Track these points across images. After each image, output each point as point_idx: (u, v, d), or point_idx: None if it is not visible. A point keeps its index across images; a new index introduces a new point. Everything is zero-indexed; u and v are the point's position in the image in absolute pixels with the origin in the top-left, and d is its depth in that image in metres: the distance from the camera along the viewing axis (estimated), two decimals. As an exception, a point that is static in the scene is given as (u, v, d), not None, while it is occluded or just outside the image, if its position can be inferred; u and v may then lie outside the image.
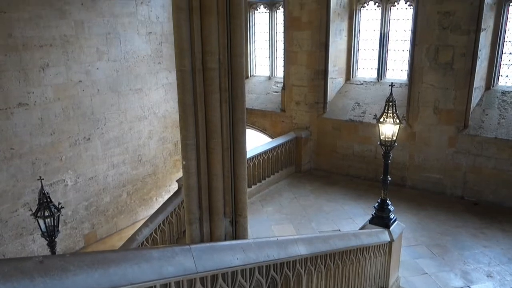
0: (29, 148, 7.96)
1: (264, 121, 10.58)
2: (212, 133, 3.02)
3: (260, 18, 11.02)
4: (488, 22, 7.79)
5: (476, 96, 8.06)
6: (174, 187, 10.14)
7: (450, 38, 7.87)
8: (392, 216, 5.25)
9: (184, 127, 2.96)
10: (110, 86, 9.20)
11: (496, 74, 8.24)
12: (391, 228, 5.14)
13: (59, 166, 8.49)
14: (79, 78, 8.59)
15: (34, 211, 4.96)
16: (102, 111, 9.12)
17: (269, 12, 10.72)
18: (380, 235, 4.94)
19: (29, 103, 7.86)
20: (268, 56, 11.04)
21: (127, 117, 9.68)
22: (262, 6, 10.83)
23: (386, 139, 5.32)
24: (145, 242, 6.36)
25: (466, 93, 7.90)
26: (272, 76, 11.09)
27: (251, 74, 11.37)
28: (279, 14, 10.47)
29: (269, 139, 10.17)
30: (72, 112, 8.58)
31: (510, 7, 7.94)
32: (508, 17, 8.00)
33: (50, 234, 4.98)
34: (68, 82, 8.42)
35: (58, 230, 5.08)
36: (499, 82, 8.30)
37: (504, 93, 8.12)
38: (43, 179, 5.20)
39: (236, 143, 3.13)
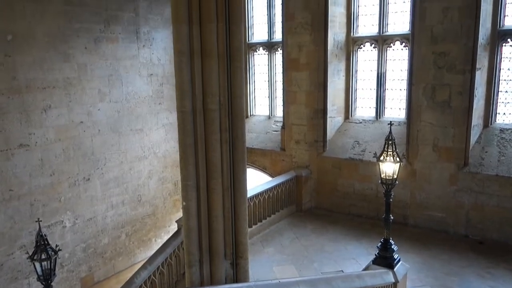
0: (28, 189, 7.92)
1: (264, 160, 10.59)
2: (213, 173, 3.02)
3: (259, 59, 11.27)
4: (482, 61, 7.96)
5: (474, 134, 8.11)
6: (174, 227, 10.00)
7: (446, 77, 8.01)
8: (395, 256, 5.16)
9: (184, 167, 2.96)
10: (111, 126, 9.28)
11: (494, 112, 8.32)
12: (395, 269, 5.03)
13: (57, 207, 8.41)
14: (80, 119, 8.67)
15: (30, 254, 4.86)
16: (103, 151, 9.15)
17: (268, 54, 10.97)
18: (384, 276, 4.83)
19: (30, 144, 7.90)
20: (268, 96, 11.20)
21: (127, 157, 9.69)
22: (261, 48, 11.09)
23: (387, 178, 5.31)
24: (143, 285, 6.20)
25: (464, 131, 7.95)
26: (271, 115, 11.20)
27: (251, 114, 11.49)
28: (278, 55, 10.71)
29: (270, 178, 10.13)
30: (73, 152, 8.60)
31: (503, 47, 8.14)
32: (502, 56, 8.18)
33: (46, 278, 4.84)
34: (69, 123, 8.49)
35: (54, 274, 4.95)
36: (497, 120, 8.37)
37: (502, 130, 8.17)
38: (41, 221, 5.13)
39: (237, 183, 3.12)
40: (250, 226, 7.85)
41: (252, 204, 8.24)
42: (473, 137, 8.09)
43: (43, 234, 4.87)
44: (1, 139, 7.50)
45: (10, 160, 7.64)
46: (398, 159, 5.26)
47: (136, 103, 9.76)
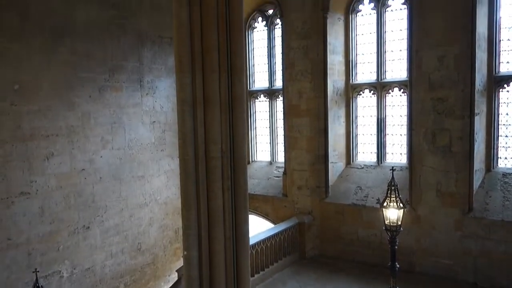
0: (26, 238, 7.79)
1: (266, 206, 10.48)
2: (214, 222, 2.99)
3: (260, 106, 11.44)
4: (480, 107, 8.07)
5: (477, 179, 8.07)
6: (174, 277, 9.73)
7: (445, 122, 8.09)
8: (403, 306, 4.98)
9: (186, 216, 2.94)
10: (113, 173, 9.27)
11: (495, 156, 8.33)
12: (403, 320, 4.84)
13: (55, 257, 8.24)
14: (82, 166, 8.68)
15: (26, 307, 4.72)
16: (103, 199, 9.09)
17: (269, 101, 11.16)
18: (393, 329, 4.64)
19: (31, 192, 7.86)
20: (269, 141, 11.27)
21: (128, 204, 9.61)
22: (262, 95, 11.30)
23: (391, 224, 5.24)
24: None
25: (467, 176, 7.92)
26: (273, 161, 11.22)
27: (253, 159, 11.51)
28: (279, 102, 10.89)
29: (272, 225, 9.99)
30: (73, 200, 8.54)
31: (500, 92, 8.28)
32: (499, 101, 8.30)
33: (41, 332, 4.68)
34: (71, 170, 8.50)
35: (50, 328, 4.79)
36: (498, 164, 8.36)
37: (505, 175, 8.14)
38: (38, 271, 5.03)
39: (239, 232, 3.08)
40: (252, 275, 7.66)
41: (254, 252, 8.07)
42: (476, 182, 8.04)
43: (40, 285, 4.76)
44: (3, 187, 7.48)
45: (10, 208, 7.58)
46: (401, 205, 5.21)
47: (138, 150, 9.81)
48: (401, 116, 9.35)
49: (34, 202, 7.91)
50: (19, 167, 7.70)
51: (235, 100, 3.22)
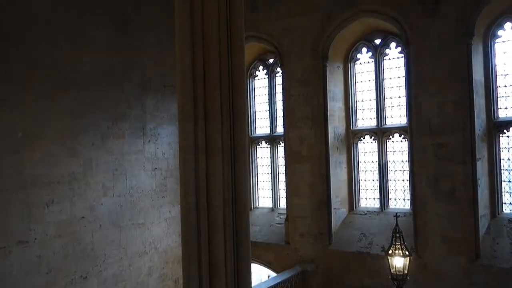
0: (22, 289, 7.57)
1: (268, 254, 10.25)
2: (216, 273, 2.91)
3: (262, 152, 11.48)
4: (482, 152, 8.08)
5: (483, 225, 7.94)
6: (173, 330, 9.36)
7: (447, 167, 8.08)
8: None
9: (186, 267, 2.86)
10: (113, 221, 9.15)
11: (499, 202, 8.25)
12: None
13: (51, 309, 7.96)
14: (82, 214, 8.58)
15: None
16: (103, 247, 8.90)
17: (270, 147, 11.21)
18: None
19: (29, 241, 7.72)
20: (271, 188, 11.21)
21: (128, 253, 9.40)
22: (263, 142, 11.37)
23: (397, 273, 5.10)
24: None
25: (472, 222, 7.80)
26: (275, 207, 11.10)
27: (254, 206, 11.39)
28: (280, 148, 10.94)
29: (274, 273, 9.72)
30: (72, 249, 8.36)
31: (500, 137, 8.32)
32: (500, 147, 8.33)
33: None
34: (71, 218, 8.39)
35: None
36: (503, 210, 8.26)
37: (510, 220, 8.01)
38: (32, 325, 4.84)
39: (241, 283, 2.99)
40: (254, 328, 7.36)
41: (256, 303, 7.81)
42: (482, 228, 7.91)
43: None
44: (1, 236, 7.35)
45: (7, 258, 7.41)
46: (407, 252, 5.10)
47: (139, 197, 9.73)
48: (402, 161, 9.35)
49: (32, 251, 7.75)
50: (19, 215, 7.61)
51: (238, 147, 3.23)
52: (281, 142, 10.81)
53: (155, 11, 10.03)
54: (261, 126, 11.54)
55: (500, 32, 8.26)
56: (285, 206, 10.19)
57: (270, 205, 11.20)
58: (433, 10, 8.15)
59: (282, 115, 10.40)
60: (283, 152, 10.31)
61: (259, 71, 11.41)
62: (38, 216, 7.90)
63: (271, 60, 11.15)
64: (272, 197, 11.19)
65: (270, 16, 10.08)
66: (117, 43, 9.34)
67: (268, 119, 11.28)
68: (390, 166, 9.53)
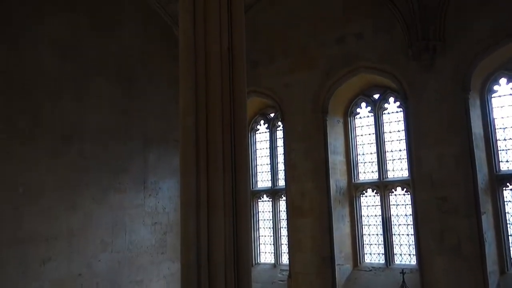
0: None
1: (270, 313, 9.84)
2: (217, 335, 2.78)
3: (263, 206, 11.36)
4: (486, 206, 7.99)
5: (492, 282, 7.66)
6: None
7: (452, 222, 7.95)
8: None
9: (186, 329, 2.74)
10: (111, 278, 8.88)
11: (508, 257, 8.02)
12: None
13: None
14: (79, 271, 8.36)
15: None
16: (99, 307, 8.58)
17: (272, 201, 11.11)
18: None
19: (22, 300, 7.46)
20: (272, 243, 10.97)
21: (124, 313, 9.05)
22: (265, 195, 11.28)
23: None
24: None
25: (481, 279, 7.54)
26: (277, 263, 10.79)
27: (256, 262, 11.09)
28: (282, 202, 10.83)
29: (277, 335, 9.27)
30: (67, 308, 8.07)
31: (504, 191, 8.25)
32: (504, 200, 8.24)
33: None
34: (67, 276, 8.16)
35: None
36: (512, 266, 8.02)
37: (520, 277, 7.76)
38: None
39: None
40: None
41: None
42: (492, 285, 7.63)
43: None
44: (-6, 294, 7.13)
45: (-2, 318, 7.14)
46: (415, 312, 4.89)
47: (138, 253, 9.51)
48: (406, 215, 9.22)
49: (25, 311, 7.47)
50: (15, 271, 7.41)
51: (240, 203, 3.21)
52: (282, 196, 10.73)
53: (160, 68, 10.36)
54: (263, 180, 11.50)
55: (496, 87, 8.46)
56: (288, 262, 9.91)
57: (272, 261, 10.90)
58: (429, 66, 8.40)
59: (283, 168, 10.40)
60: (285, 206, 10.19)
61: (260, 125, 11.57)
62: (34, 274, 7.69)
63: (272, 115, 11.33)
64: (274, 253, 10.91)
65: (271, 71, 10.38)
66: (122, 100, 9.57)
67: (270, 172, 11.27)
68: (394, 220, 9.39)
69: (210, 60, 3.98)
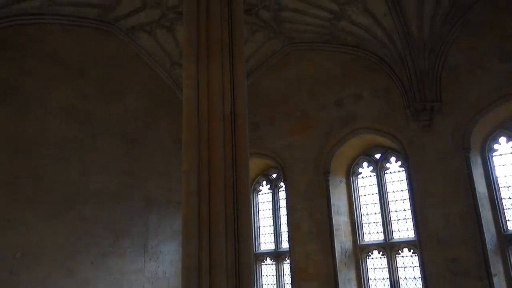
0: None
1: None
2: None
3: (266, 269, 11.02)
4: (497, 267, 7.73)
5: None
6: None
7: (463, 284, 7.65)
8: None
9: None
10: None
11: (524, 323, 7.63)
12: None
13: None
14: None
15: None
16: None
17: (275, 264, 10.79)
18: None
19: None
20: (277, 308, 10.51)
21: None
22: (268, 258, 10.98)
23: None
24: None
25: None
26: (282, 331, 10.28)
27: (260, 330, 10.56)
28: (286, 264, 10.52)
29: None
30: None
31: (513, 251, 8.03)
32: (515, 261, 7.99)
33: None
34: None
35: None
36: (530, 331, 7.61)
37: None
38: None
39: None
40: None
41: None
42: None
43: None
44: None
45: None
46: None
47: (136, 322, 9.10)
48: (415, 278, 8.90)
49: None
50: None
51: (242, 266, 3.13)
52: (286, 259, 10.43)
53: (163, 131, 10.54)
54: (266, 242, 11.26)
55: (496, 146, 8.51)
56: (293, 330, 9.44)
57: (277, 329, 10.38)
58: (428, 126, 8.54)
59: (286, 230, 10.21)
60: (289, 269, 9.88)
61: (262, 186, 11.53)
62: None
63: (274, 175, 11.33)
64: (279, 320, 10.42)
65: (273, 133, 10.54)
66: (126, 161, 9.63)
67: (273, 234, 11.05)
68: (402, 283, 9.04)
69: (213, 125, 4.07)
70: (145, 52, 10.41)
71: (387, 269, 9.20)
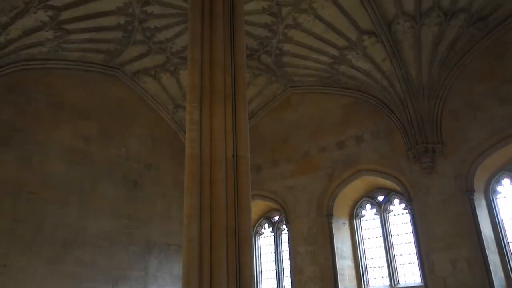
0: None
1: None
2: None
3: (269, 316, 10.67)
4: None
5: None
6: None
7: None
8: None
9: None
10: None
11: None
12: None
13: None
14: None
15: None
16: None
17: (278, 310, 10.45)
18: None
19: None
20: None
21: None
22: (270, 304, 10.65)
23: None
24: None
25: None
26: None
27: None
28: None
29: None
30: None
31: (524, 297, 7.78)
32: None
33: None
34: None
35: None
36: None
37: None
38: None
39: None
40: None
41: None
42: None
43: None
44: None
45: None
46: None
47: None
48: (423, 326, 8.56)
49: None
50: None
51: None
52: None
53: (164, 173, 10.53)
54: (268, 287, 10.95)
55: (499, 188, 8.45)
56: None
57: None
58: (430, 168, 8.52)
59: (289, 274, 9.95)
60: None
61: (264, 228, 11.37)
62: None
63: (276, 218, 11.20)
64: None
65: (275, 175, 10.51)
66: (126, 203, 9.56)
67: (275, 279, 10.76)
68: (409, 331, 8.71)
69: (215, 168, 4.07)
70: (149, 95, 10.58)
71: (394, 316, 8.88)
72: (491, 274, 7.51)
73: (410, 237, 9.02)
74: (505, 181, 8.42)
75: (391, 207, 9.61)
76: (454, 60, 8.63)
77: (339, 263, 9.28)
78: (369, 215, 9.93)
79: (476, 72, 8.52)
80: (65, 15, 8.04)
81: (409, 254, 9.13)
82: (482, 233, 7.83)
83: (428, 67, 8.63)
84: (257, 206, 10.80)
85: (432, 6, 7.96)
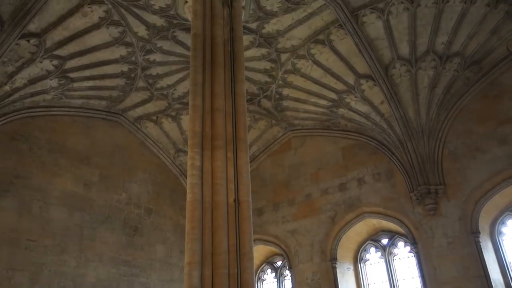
0: None
1: None
2: None
3: None
4: None
5: None
6: None
7: None
8: None
9: None
10: None
11: None
12: None
13: None
14: None
15: None
16: None
17: None
18: None
19: None
20: None
21: None
22: None
23: None
24: None
25: None
26: None
27: None
28: None
29: None
30: None
31: None
32: None
33: None
34: None
35: None
36: None
37: None
38: None
39: None
40: None
41: None
42: None
43: None
44: None
45: None
46: None
47: None
48: None
49: None
50: None
51: None
52: None
53: (165, 218, 10.42)
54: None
55: (504, 229, 8.32)
56: None
57: None
58: (434, 210, 8.43)
59: (293, 322, 9.61)
60: None
61: (267, 274, 11.09)
62: None
63: (279, 263, 10.95)
64: None
65: (277, 219, 10.39)
66: (126, 249, 9.39)
67: (279, 327, 10.39)
68: None
69: (217, 213, 4.04)
70: (151, 140, 10.67)
71: None
72: (495, 295, 7.26)
73: (417, 281, 8.78)
74: (510, 222, 8.32)
75: (396, 250, 9.42)
76: (451, 102, 8.77)
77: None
78: (373, 259, 9.72)
79: (474, 114, 8.63)
80: (70, 64, 8.25)
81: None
82: (491, 277, 7.64)
83: (426, 109, 8.75)
84: (259, 251, 10.59)
85: (427, 50, 8.19)
